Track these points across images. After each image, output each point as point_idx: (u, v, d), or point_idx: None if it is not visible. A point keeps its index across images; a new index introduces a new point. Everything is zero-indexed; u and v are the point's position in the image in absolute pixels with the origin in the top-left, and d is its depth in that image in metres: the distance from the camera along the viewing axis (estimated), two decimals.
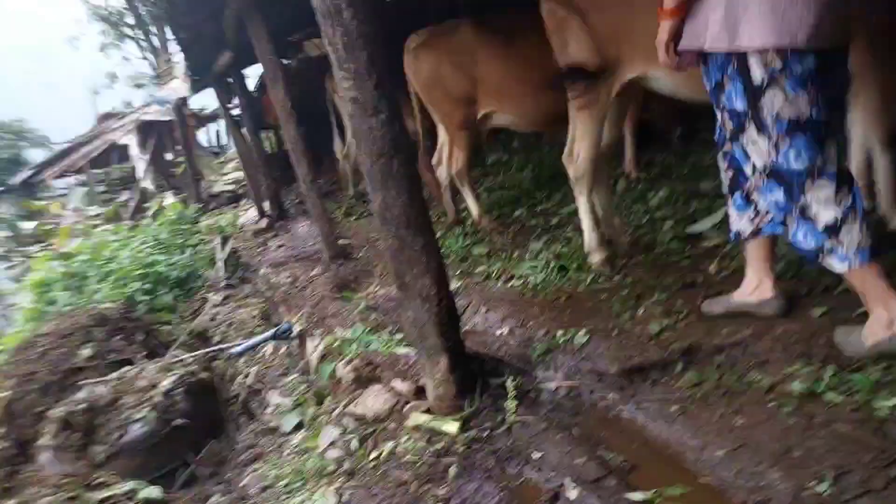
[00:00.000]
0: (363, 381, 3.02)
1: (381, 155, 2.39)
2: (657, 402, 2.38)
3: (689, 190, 4.46)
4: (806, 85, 2.01)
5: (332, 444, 2.72)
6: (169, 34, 9.83)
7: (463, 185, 5.06)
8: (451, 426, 2.47)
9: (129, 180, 18.13)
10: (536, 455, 2.21)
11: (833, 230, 2.10)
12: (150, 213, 10.10)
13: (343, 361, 3.22)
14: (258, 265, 6.50)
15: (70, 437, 3.60)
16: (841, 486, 1.74)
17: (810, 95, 2.02)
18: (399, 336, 3.28)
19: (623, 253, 3.69)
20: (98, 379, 4.18)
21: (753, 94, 2.08)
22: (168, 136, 14.11)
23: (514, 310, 3.46)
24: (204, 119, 17.08)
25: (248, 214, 8.76)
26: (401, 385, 2.80)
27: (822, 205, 2.09)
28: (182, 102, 10.74)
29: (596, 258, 3.60)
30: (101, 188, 18.64)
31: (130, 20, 22.69)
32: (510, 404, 2.49)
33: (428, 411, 2.62)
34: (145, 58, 23.74)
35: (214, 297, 6.37)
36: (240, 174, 9.51)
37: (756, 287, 2.62)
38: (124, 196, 14.88)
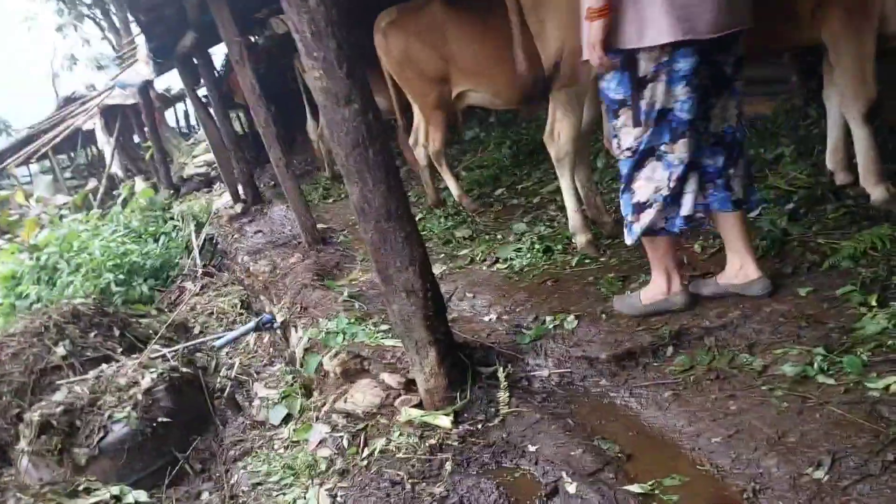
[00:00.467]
0: (351, 374, 2.97)
1: (357, 146, 2.32)
2: (650, 388, 2.38)
3: None
4: (684, 80, 2.25)
5: (321, 442, 2.68)
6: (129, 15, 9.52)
7: (441, 166, 4.99)
8: (444, 420, 2.44)
9: (96, 166, 17.70)
10: (532, 448, 2.19)
11: (644, 206, 2.48)
12: (119, 199, 9.82)
13: (329, 354, 3.16)
14: (236, 252, 6.38)
15: (49, 441, 3.51)
16: (838, 471, 1.74)
17: (686, 90, 2.27)
18: (386, 326, 3.23)
19: (607, 233, 3.67)
20: (75, 378, 4.07)
21: (636, 86, 2.29)
22: (134, 119, 13.74)
23: (500, 295, 3.43)
24: (171, 100, 16.65)
25: (223, 199, 8.58)
26: (390, 378, 2.76)
27: (646, 182, 2.44)
28: (147, 85, 10.43)
29: (581, 240, 3.57)
30: (67, 175, 18.18)
31: None
32: (502, 395, 2.48)
33: (419, 405, 2.59)
34: (106, 38, 23.00)
35: (192, 287, 6.26)
36: (212, 156, 9.30)
37: (739, 269, 2.62)
38: (92, 183, 14.52)
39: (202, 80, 7.84)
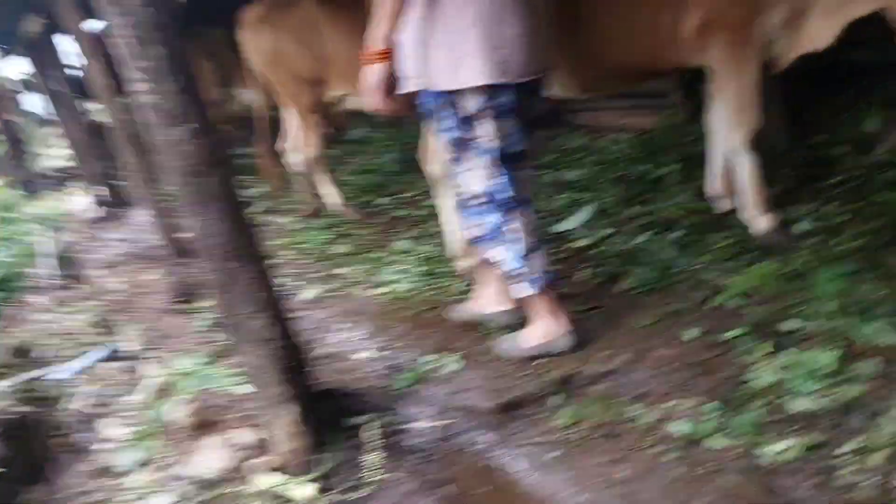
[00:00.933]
0: (201, 428, 2.59)
1: (197, 173, 1.95)
2: (536, 445, 2.16)
3: (555, 180, 4.31)
4: (509, 116, 2.18)
5: None
6: None
7: (319, 173, 4.63)
8: (307, 489, 2.13)
9: None
10: None
11: (525, 258, 2.34)
12: None
13: (180, 401, 2.76)
14: (92, 263, 5.73)
15: None
16: None
17: (513, 127, 2.20)
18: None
19: None
20: None
21: (466, 126, 2.18)
22: None
23: (378, 326, 3.14)
24: (26, 85, 15.10)
25: (80, 200, 7.77)
26: (245, 436, 2.41)
27: (520, 233, 2.30)
28: None
29: (463, 265, 3.34)
30: None
31: None
32: (373, 458, 2.19)
33: (279, 469, 2.26)
34: None
35: (40, 302, 5.55)
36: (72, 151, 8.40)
37: (492, 298, 2.67)
38: None
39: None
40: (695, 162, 3.93)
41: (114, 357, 3.82)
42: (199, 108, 1.91)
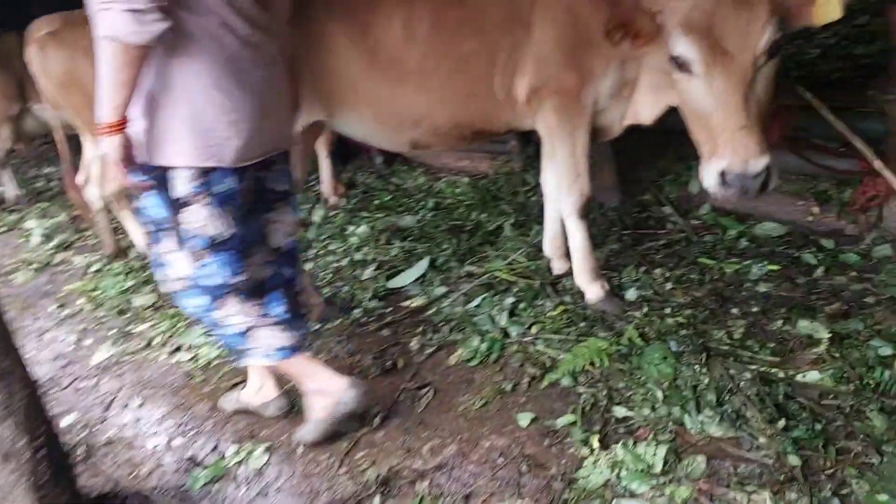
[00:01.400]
0: None
1: None
2: None
3: (389, 225, 4.07)
4: (228, 202, 1.95)
5: None
6: None
7: (121, 209, 4.05)
8: None
9: None
10: None
11: (245, 335, 2.14)
12: None
13: None
14: None
15: None
16: None
17: (233, 212, 1.97)
18: None
19: (316, 318, 3.13)
20: None
21: (175, 208, 1.94)
22: None
23: (177, 403, 2.69)
24: None
25: None
26: None
27: (235, 315, 2.10)
28: None
29: None
30: None
31: None
32: None
33: None
34: None
35: None
36: None
37: (259, 389, 2.46)
38: None
39: None
40: (530, 214, 3.88)
41: None
42: None
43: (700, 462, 1.95)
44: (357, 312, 3.16)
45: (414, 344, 2.83)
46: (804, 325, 2.48)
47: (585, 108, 2.61)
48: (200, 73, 1.80)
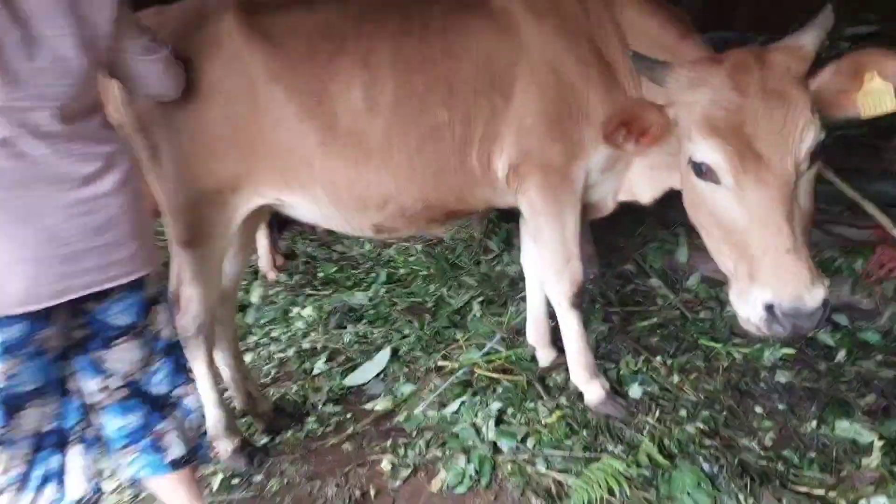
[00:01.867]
0: None
1: None
2: None
3: (339, 305, 3.59)
4: (13, 352, 1.61)
5: None
6: None
7: None
8: None
9: None
10: None
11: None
12: None
13: None
14: None
15: None
16: None
17: (13, 364, 1.62)
18: None
19: (265, 428, 2.62)
20: None
21: None
22: None
23: None
24: None
25: None
26: None
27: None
28: None
29: (224, 448, 2.45)
30: None
31: None
32: None
33: None
34: None
35: None
36: None
37: None
38: None
39: None
40: (498, 289, 3.48)
41: None
42: None
43: None
44: (311, 420, 2.66)
45: (385, 464, 2.36)
46: (843, 428, 2.16)
47: (575, 186, 2.24)
48: None
